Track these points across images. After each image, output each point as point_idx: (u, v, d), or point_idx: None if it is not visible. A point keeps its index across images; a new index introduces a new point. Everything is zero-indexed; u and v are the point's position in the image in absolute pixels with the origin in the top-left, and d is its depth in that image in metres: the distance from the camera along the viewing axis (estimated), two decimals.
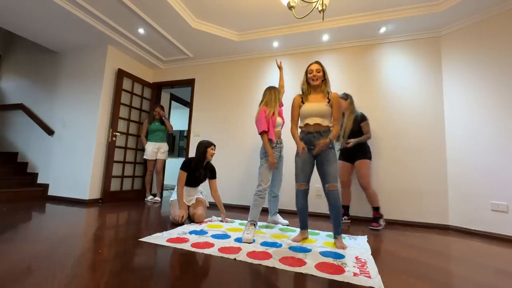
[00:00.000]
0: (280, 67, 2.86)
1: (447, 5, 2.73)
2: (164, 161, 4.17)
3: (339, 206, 1.95)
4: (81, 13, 3.11)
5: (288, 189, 3.38)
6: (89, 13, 3.13)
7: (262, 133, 2.36)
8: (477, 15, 2.80)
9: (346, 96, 2.97)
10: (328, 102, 2.00)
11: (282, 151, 2.63)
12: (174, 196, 2.69)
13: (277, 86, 2.82)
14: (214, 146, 2.69)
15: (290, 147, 3.14)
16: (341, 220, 1.98)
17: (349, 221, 2.98)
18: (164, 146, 4.14)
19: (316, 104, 2.01)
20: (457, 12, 2.81)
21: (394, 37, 3.32)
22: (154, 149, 4.04)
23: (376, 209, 2.74)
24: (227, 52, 4.05)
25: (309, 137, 2.03)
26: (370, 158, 2.86)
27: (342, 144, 2.94)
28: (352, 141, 2.81)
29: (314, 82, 2.04)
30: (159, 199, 4.02)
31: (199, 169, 2.60)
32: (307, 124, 2.04)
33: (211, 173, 2.73)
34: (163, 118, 4.12)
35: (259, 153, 2.51)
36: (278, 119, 2.53)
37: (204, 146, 2.61)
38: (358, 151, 2.85)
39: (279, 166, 2.65)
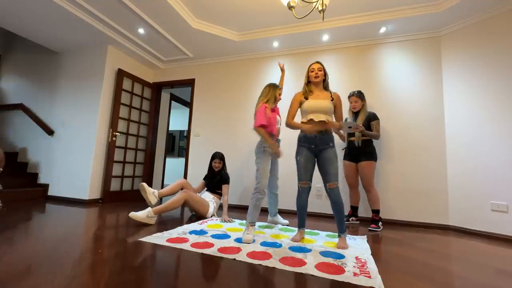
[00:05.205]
0: (282, 69, 2.90)
1: (447, 5, 2.73)
2: None
3: (340, 203, 1.95)
4: (81, 13, 3.11)
5: (286, 189, 3.38)
6: (89, 13, 3.13)
7: (259, 127, 2.22)
8: (477, 15, 2.80)
9: (362, 95, 2.88)
10: (332, 100, 2.04)
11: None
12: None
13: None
14: (219, 159, 3.04)
15: (286, 146, 3.15)
16: (344, 218, 1.98)
17: (358, 222, 2.93)
18: None
19: (321, 101, 2.01)
20: (457, 12, 2.81)
21: (394, 37, 3.32)
22: None
23: (376, 211, 2.70)
24: (227, 52, 4.05)
25: (312, 137, 2.02)
26: (375, 159, 2.77)
27: (350, 141, 2.87)
28: (363, 129, 2.68)
29: (317, 79, 2.06)
30: None
31: (210, 177, 3.14)
32: (311, 120, 2.02)
33: (221, 179, 3.02)
34: None
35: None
36: (277, 117, 2.56)
37: (210, 159, 3.12)
38: (363, 151, 2.77)
39: (274, 164, 2.64)
